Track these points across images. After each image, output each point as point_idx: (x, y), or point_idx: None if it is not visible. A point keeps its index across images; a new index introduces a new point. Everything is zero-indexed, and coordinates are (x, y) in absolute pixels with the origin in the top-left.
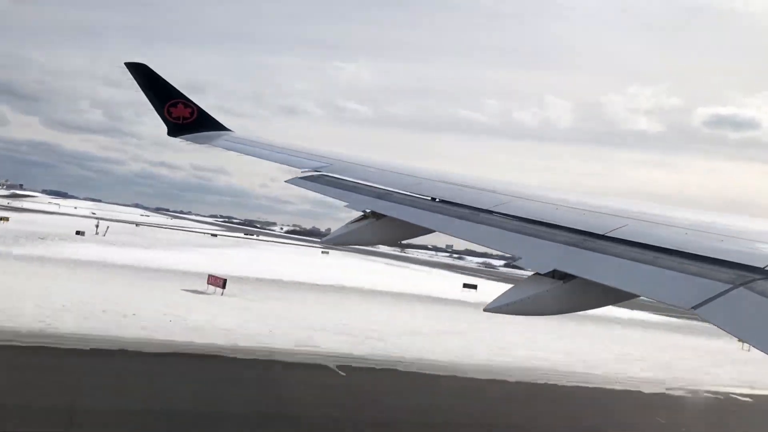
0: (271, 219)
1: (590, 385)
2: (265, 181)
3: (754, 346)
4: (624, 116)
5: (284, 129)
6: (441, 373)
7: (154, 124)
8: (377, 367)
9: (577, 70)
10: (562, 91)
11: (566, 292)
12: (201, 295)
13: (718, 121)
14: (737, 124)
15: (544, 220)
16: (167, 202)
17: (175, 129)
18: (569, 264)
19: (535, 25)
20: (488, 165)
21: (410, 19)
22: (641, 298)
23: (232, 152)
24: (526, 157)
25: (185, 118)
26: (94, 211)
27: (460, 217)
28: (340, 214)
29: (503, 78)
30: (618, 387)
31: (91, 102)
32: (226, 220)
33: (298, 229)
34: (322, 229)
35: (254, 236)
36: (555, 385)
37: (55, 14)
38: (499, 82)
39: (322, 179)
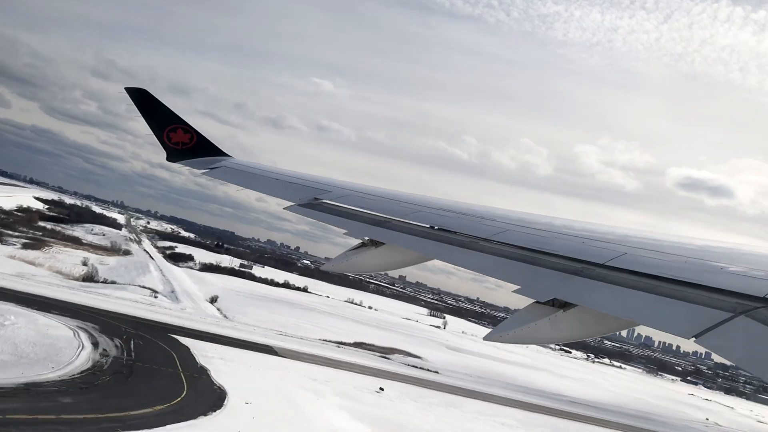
0: (269, 236)
1: None
2: (261, 195)
3: (757, 376)
4: (598, 168)
5: (272, 143)
6: None
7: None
8: None
9: (556, 118)
10: (541, 138)
11: (566, 321)
12: None
13: (694, 185)
14: (713, 189)
15: (544, 249)
16: (169, 207)
17: (175, 154)
18: (569, 292)
19: (516, 70)
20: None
21: (388, 48)
22: None
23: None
24: (507, 199)
25: (184, 143)
26: None
27: (460, 245)
28: (336, 239)
29: (483, 118)
30: None
31: (83, 92)
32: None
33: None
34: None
35: None
36: None
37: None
38: (479, 122)
39: (321, 206)
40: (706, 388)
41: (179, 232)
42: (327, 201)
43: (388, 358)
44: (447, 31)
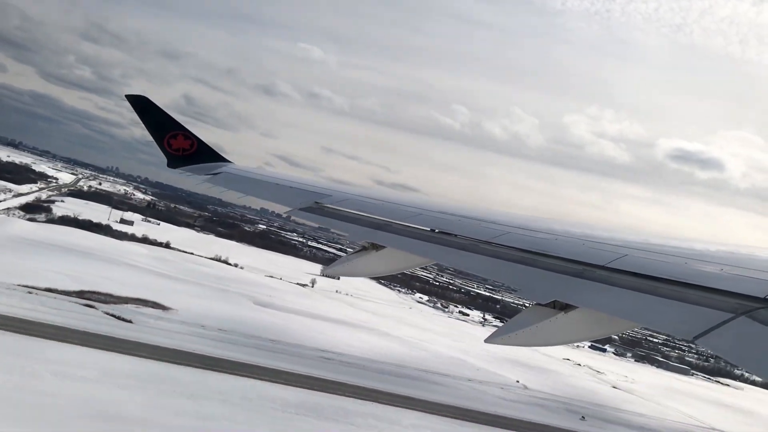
0: (265, 205)
1: None
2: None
3: (757, 376)
4: (590, 139)
5: (265, 110)
6: None
7: (141, 89)
8: None
9: (551, 89)
10: (533, 109)
11: (567, 323)
12: None
13: (685, 157)
14: (703, 162)
15: (544, 251)
16: (170, 176)
17: (175, 160)
18: (569, 294)
19: (507, 39)
20: (462, 173)
21: (379, 14)
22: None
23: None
24: (501, 170)
25: (185, 149)
26: None
27: (460, 248)
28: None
29: (474, 86)
30: None
31: (77, 57)
32: None
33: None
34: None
35: None
36: None
37: None
38: (470, 91)
39: (322, 210)
40: (615, 356)
41: (133, 194)
42: (328, 205)
43: (92, 307)
44: None
